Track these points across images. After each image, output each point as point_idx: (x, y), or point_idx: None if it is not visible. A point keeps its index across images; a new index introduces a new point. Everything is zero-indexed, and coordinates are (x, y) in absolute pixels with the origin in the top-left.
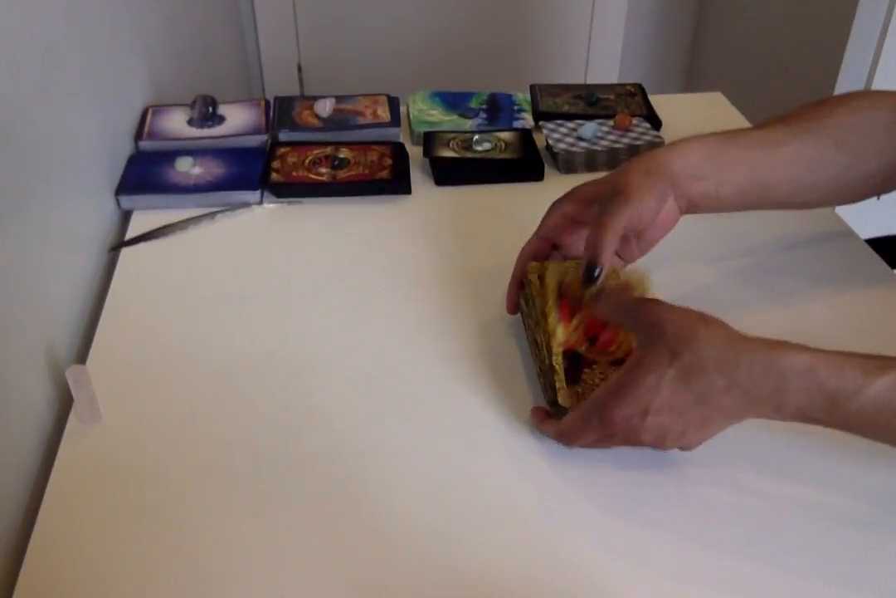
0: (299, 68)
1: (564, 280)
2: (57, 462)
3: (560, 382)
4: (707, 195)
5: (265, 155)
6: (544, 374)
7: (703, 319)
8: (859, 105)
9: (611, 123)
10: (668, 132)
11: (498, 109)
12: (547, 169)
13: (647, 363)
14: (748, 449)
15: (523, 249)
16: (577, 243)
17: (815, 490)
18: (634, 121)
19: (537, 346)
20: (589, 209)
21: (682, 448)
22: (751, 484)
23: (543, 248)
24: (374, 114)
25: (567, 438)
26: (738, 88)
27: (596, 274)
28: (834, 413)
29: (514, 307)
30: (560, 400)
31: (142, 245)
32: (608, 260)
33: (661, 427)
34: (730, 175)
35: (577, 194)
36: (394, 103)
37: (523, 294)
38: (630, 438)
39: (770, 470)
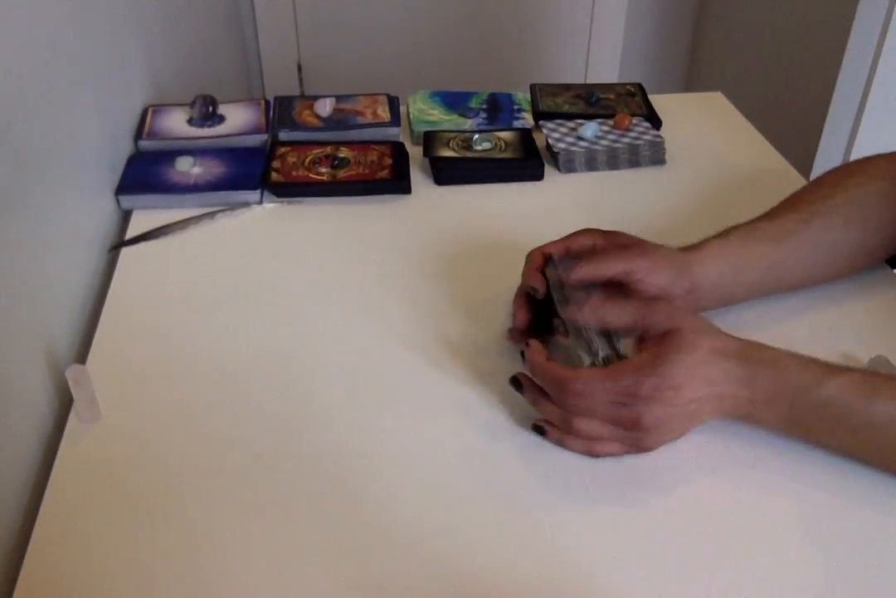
0: (299, 68)
1: None
2: (57, 462)
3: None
4: (721, 299)
5: (265, 155)
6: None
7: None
8: (854, 181)
9: (611, 122)
10: (668, 132)
11: (498, 109)
12: (547, 169)
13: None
14: (754, 451)
15: (537, 252)
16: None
17: (822, 490)
18: (634, 120)
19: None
20: (606, 245)
21: (645, 446)
22: (756, 484)
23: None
24: (374, 113)
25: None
26: (738, 88)
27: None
28: (796, 403)
29: (524, 321)
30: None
31: (142, 245)
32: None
33: (669, 409)
34: (745, 277)
35: (614, 234)
36: (394, 103)
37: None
38: (634, 413)
39: (774, 471)
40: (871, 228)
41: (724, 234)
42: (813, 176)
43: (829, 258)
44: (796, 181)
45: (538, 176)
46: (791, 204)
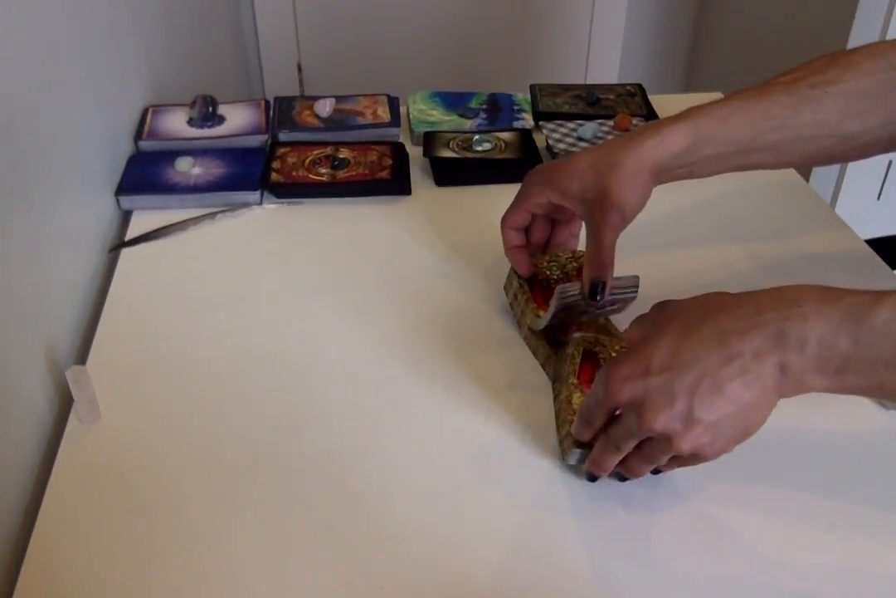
0: (299, 68)
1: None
2: (57, 462)
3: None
4: (683, 176)
5: (265, 155)
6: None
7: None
8: (871, 66)
9: (611, 123)
10: None
11: (498, 109)
12: None
13: (639, 345)
14: (757, 462)
15: (507, 219)
16: (547, 232)
17: (823, 500)
18: (634, 121)
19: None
20: (568, 205)
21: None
22: (758, 491)
23: (526, 220)
24: (374, 114)
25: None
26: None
27: (600, 290)
28: (860, 335)
29: (527, 267)
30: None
31: (142, 245)
32: (612, 275)
33: (667, 384)
34: (713, 161)
35: (559, 187)
36: (394, 103)
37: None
38: (640, 412)
39: (777, 482)
40: (870, 123)
41: (700, 111)
42: (812, 176)
43: (809, 149)
44: (796, 181)
45: None
46: (791, 81)
